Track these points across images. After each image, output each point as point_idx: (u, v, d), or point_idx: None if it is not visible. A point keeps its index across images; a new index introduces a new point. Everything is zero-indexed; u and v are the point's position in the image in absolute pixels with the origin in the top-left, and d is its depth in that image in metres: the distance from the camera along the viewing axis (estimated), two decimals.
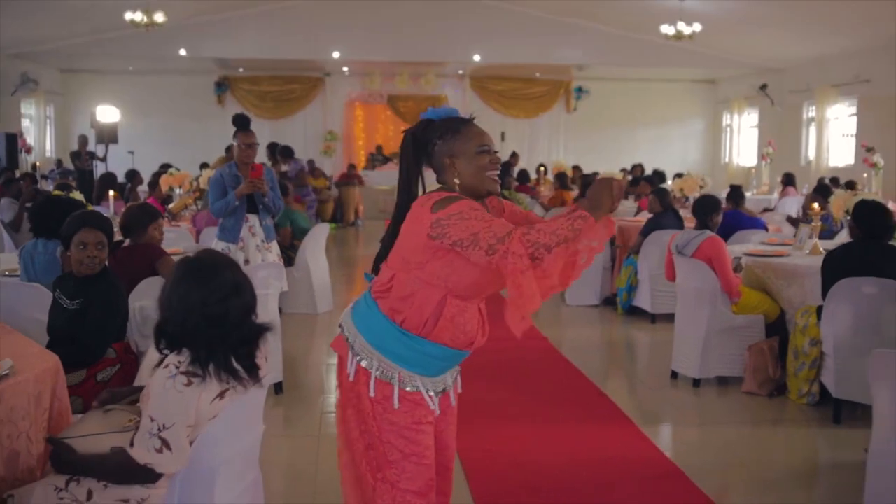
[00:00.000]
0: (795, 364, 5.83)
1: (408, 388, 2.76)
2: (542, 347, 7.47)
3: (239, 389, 2.78)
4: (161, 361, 2.76)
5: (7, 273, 5.37)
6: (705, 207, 6.63)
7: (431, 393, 2.81)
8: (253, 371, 2.81)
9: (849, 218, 6.19)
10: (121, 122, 18.29)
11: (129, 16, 14.91)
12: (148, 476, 2.71)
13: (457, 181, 2.76)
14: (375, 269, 2.89)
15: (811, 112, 18.25)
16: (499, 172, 2.81)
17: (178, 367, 2.67)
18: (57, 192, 5.90)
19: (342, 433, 2.90)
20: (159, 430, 2.64)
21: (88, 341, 3.76)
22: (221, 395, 2.74)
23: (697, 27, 15.10)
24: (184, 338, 2.71)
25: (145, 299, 4.39)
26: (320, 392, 6.36)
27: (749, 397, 6.05)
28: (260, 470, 3.14)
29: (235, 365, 2.75)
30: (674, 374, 6.57)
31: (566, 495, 4.44)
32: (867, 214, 5.47)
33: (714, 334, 6.22)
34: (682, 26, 15.15)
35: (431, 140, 2.80)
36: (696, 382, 6.32)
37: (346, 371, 2.85)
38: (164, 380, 2.67)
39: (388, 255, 2.82)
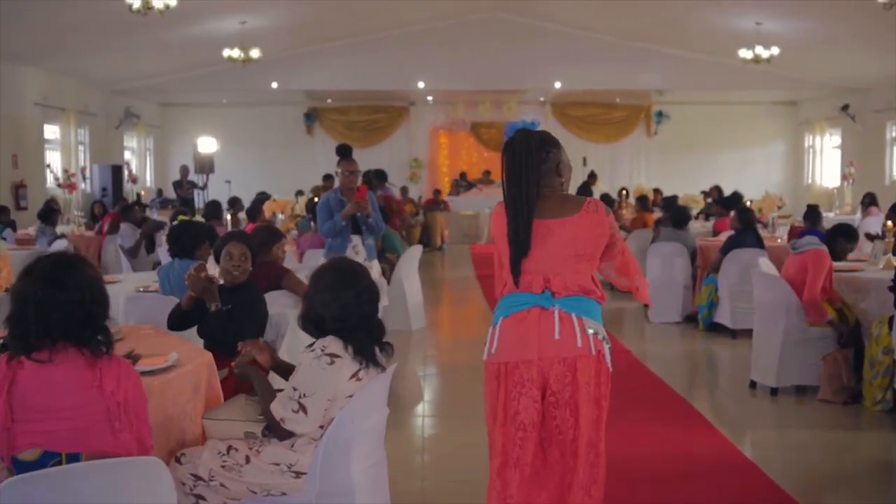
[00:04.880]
0: (871, 372, 6.12)
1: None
2: (626, 360, 7.84)
3: (372, 372, 3.35)
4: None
5: (143, 289, 6.01)
6: (839, 233, 7.04)
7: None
8: (387, 350, 3.43)
9: None
10: (216, 152, 19.23)
11: (227, 52, 15.77)
12: (282, 433, 3.29)
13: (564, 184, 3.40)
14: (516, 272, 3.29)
15: (895, 132, 18.21)
16: None
17: (323, 350, 3.29)
18: (183, 218, 6.59)
19: (550, 430, 3.33)
20: (300, 396, 3.25)
21: (232, 342, 4.30)
22: (356, 374, 3.31)
23: (775, 50, 15.30)
24: (340, 330, 3.32)
25: (272, 309, 4.96)
26: (419, 399, 6.88)
27: (824, 405, 6.34)
28: (384, 451, 3.65)
29: (378, 352, 3.37)
30: (752, 384, 6.90)
31: (654, 486, 4.84)
32: None
33: (790, 345, 6.53)
34: (759, 50, 15.38)
35: (546, 148, 3.32)
36: (774, 391, 6.64)
37: (579, 371, 3.27)
38: (310, 359, 3.29)
39: (553, 261, 3.28)
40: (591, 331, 3.27)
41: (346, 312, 3.32)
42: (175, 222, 6.58)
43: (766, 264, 7.32)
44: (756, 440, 5.88)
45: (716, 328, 9.11)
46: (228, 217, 9.51)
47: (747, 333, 7.82)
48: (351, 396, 3.29)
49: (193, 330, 4.62)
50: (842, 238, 6.91)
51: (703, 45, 18.00)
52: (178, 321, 4.59)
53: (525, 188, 3.24)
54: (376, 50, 18.79)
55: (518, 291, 3.30)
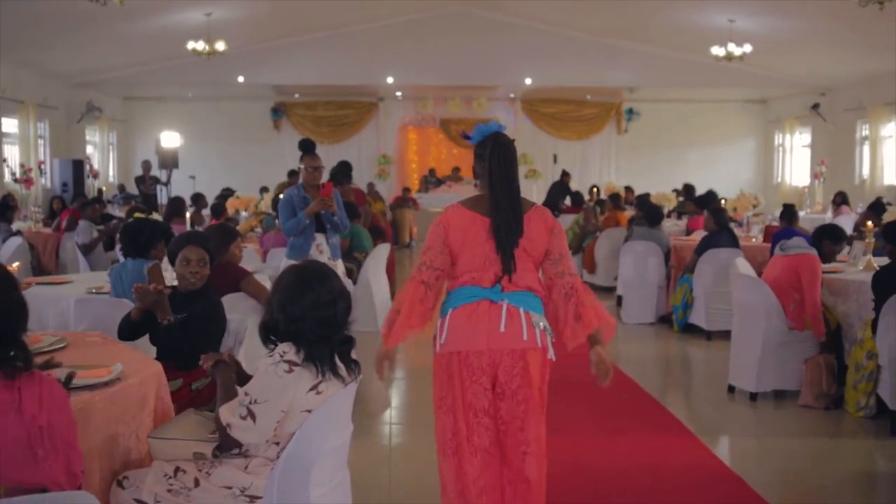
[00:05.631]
0: (855, 376, 5.92)
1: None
2: None
3: (335, 384, 3.08)
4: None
5: (95, 291, 5.68)
6: (824, 235, 6.81)
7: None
8: (353, 367, 3.11)
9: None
10: (181, 148, 18.79)
11: (191, 45, 15.36)
12: (228, 441, 3.02)
13: None
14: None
15: (865, 130, 18.17)
16: None
17: (282, 356, 3.01)
18: (139, 215, 6.26)
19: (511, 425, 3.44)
20: (251, 402, 2.97)
21: (187, 352, 4.01)
22: (316, 387, 3.03)
23: (748, 48, 15.20)
24: (294, 334, 3.05)
25: (230, 314, 4.65)
26: (385, 404, 6.59)
27: (806, 410, 6.16)
28: (348, 470, 3.37)
29: (338, 361, 3.08)
30: (731, 389, 6.69)
31: (629, 498, 4.63)
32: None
33: (770, 348, 6.34)
34: (732, 47, 15.26)
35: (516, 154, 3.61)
36: (753, 396, 6.45)
37: (530, 365, 3.41)
38: (267, 365, 3.01)
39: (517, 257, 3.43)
40: (537, 324, 3.42)
41: (301, 315, 3.05)
42: (130, 219, 6.23)
43: (743, 265, 7.11)
44: (736, 448, 5.68)
45: (690, 329, 8.93)
46: (188, 215, 9.16)
47: (722, 335, 7.66)
48: (309, 411, 3.02)
49: (146, 338, 4.31)
50: (827, 240, 6.71)
51: (675, 42, 17.86)
52: (128, 331, 4.27)
53: (514, 190, 3.48)
54: (345, 44, 18.45)
55: (468, 285, 3.44)
